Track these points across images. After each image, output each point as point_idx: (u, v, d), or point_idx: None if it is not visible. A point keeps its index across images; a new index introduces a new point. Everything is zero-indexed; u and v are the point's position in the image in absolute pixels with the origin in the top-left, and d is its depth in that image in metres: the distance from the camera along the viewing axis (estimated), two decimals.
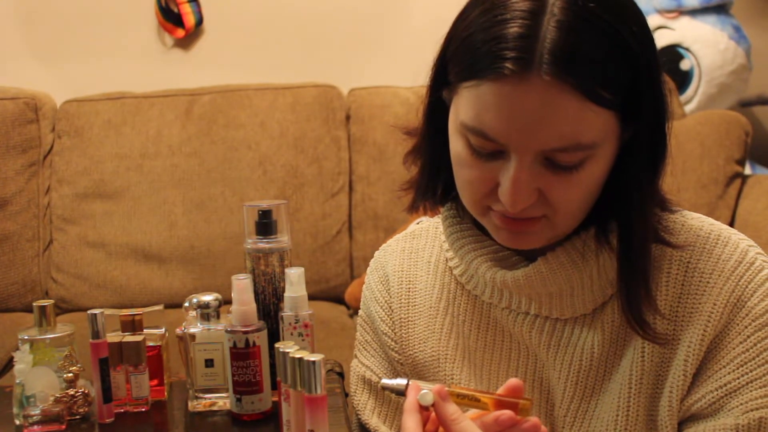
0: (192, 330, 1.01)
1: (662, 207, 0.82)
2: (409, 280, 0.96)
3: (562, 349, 0.85)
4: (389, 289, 0.97)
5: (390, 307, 0.96)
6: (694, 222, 0.84)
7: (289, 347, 0.84)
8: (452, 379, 0.90)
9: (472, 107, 0.74)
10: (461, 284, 0.92)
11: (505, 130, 0.72)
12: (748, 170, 2.27)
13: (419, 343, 0.93)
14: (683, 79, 2.32)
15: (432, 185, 0.90)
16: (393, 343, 0.95)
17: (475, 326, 0.90)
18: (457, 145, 0.79)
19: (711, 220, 0.85)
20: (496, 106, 0.72)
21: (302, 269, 0.96)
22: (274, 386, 0.96)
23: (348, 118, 2.34)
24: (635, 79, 0.73)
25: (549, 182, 0.74)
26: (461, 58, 0.75)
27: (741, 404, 0.77)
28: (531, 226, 0.78)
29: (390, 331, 0.96)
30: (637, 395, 0.80)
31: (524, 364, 0.87)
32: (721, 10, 2.33)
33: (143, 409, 1.02)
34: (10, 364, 1.79)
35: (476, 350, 0.90)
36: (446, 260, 0.94)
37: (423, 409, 0.75)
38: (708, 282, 0.80)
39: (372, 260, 1.02)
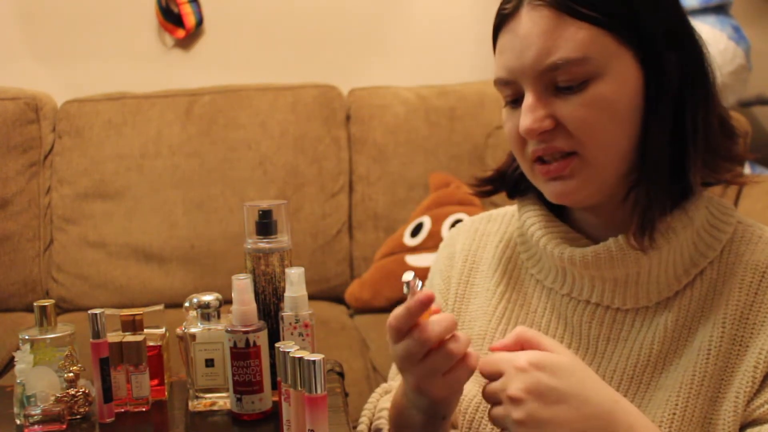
0: (192, 330, 1.01)
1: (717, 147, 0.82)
2: (474, 260, 0.98)
3: (621, 342, 0.85)
4: (452, 265, 1.00)
5: (449, 280, 0.99)
6: None
7: (290, 347, 0.84)
8: None
9: (497, 61, 0.84)
10: (526, 269, 0.93)
11: (510, 63, 0.81)
12: (747, 170, 2.27)
13: (469, 321, 0.96)
14: None
15: (511, 174, 0.94)
16: (443, 300, 0.98)
17: (532, 311, 0.91)
18: (502, 112, 0.87)
19: None
20: (506, 46, 0.82)
21: (302, 269, 0.96)
22: (275, 386, 0.97)
23: (348, 118, 2.35)
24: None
25: (560, 107, 0.79)
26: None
27: None
28: (565, 167, 0.81)
29: (443, 303, 0.99)
30: (696, 397, 0.80)
31: (575, 354, 0.85)
32: (720, 10, 2.33)
33: (144, 409, 1.02)
34: (10, 363, 1.79)
35: None
36: (515, 245, 0.95)
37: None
38: None
39: (446, 236, 1.05)
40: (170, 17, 2.45)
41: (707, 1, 2.30)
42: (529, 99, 0.80)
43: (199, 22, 2.46)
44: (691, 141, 0.80)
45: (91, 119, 2.27)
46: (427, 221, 2.11)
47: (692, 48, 0.82)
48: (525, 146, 0.83)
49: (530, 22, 0.79)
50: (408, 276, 0.77)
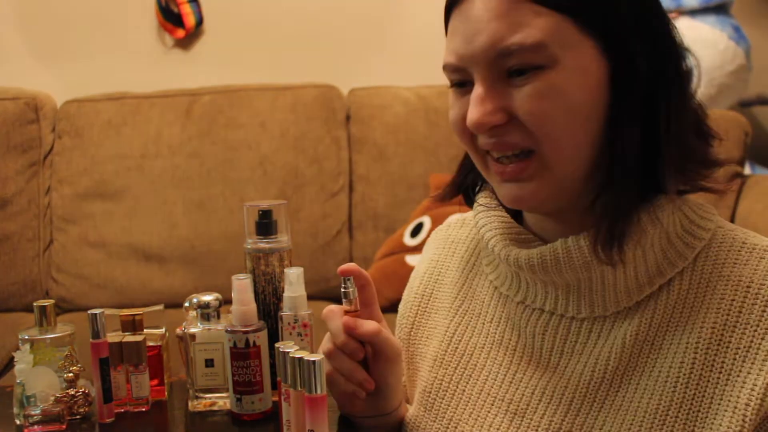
0: (192, 330, 1.01)
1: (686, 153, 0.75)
2: (439, 272, 0.95)
3: (575, 356, 0.79)
4: (416, 274, 0.98)
5: (410, 290, 0.98)
6: (758, 241, 0.77)
7: (290, 347, 0.84)
8: (441, 381, 0.88)
9: (447, 45, 0.79)
10: (485, 274, 0.90)
11: (460, 46, 0.76)
12: (747, 170, 2.27)
13: (425, 338, 0.93)
14: None
15: (463, 178, 0.90)
16: (403, 319, 0.97)
17: (487, 321, 0.87)
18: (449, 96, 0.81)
19: None
20: (456, 30, 0.77)
21: (301, 269, 0.96)
22: (275, 386, 0.97)
23: (348, 118, 2.34)
24: None
25: (513, 98, 0.74)
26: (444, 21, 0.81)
27: None
28: (523, 169, 0.75)
29: (405, 311, 0.97)
30: (661, 426, 0.73)
31: (524, 367, 0.83)
32: (720, 10, 2.33)
33: (143, 409, 1.02)
34: (10, 364, 1.79)
35: (483, 347, 0.87)
36: (480, 250, 0.92)
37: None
38: None
39: (428, 240, 1.02)
40: (170, 17, 2.45)
41: (707, 1, 2.30)
42: (478, 90, 0.74)
43: (199, 22, 2.46)
44: (664, 143, 0.74)
45: (91, 119, 2.27)
46: (427, 221, 2.11)
47: (667, 45, 0.76)
48: (474, 137, 0.78)
49: (483, 4, 0.74)
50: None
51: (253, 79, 2.39)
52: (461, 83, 0.78)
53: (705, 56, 2.29)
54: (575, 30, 0.72)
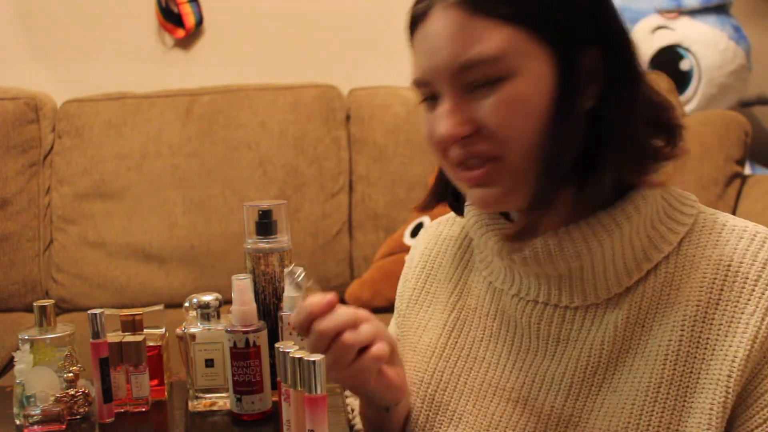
0: (192, 330, 1.01)
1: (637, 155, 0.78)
2: (432, 266, 0.97)
3: (571, 343, 0.82)
4: (410, 266, 1.00)
5: (406, 283, 0.99)
6: (738, 222, 0.81)
7: (289, 347, 0.84)
8: (442, 373, 0.89)
9: (413, 62, 0.82)
10: (479, 270, 0.91)
11: (424, 63, 0.79)
12: (747, 170, 2.27)
13: (416, 329, 0.94)
14: (683, 80, 2.32)
15: (443, 189, 0.92)
16: (397, 316, 0.99)
17: (484, 315, 0.89)
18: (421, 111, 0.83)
19: (754, 223, 0.82)
20: (419, 48, 0.81)
21: (301, 269, 0.96)
22: (274, 386, 0.97)
23: (348, 118, 2.34)
24: None
25: (476, 108, 0.76)
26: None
27: None
28: (485, 173, 0.78)
29: (398, 302, 0.99)
30: (653, 403, 0.76)
31: (523, 356, 0.85)
32: (720, 10, 2.33)
33: (143, 409, 1.02)
34: (10, 364, 1.79)
35: (482, 340, 0.89)
36: (473, 249, 0.94)
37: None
38: (753, 289, 0.76)
39: (418, 235, 1.03)
40: (170, 17, 2.45)
41: (707, 1, 2.30)
42: (444, 104, 0.77)
43: (199, 22, 2.46)
44: (606, 141, 0.76)
45: (91, 119, 2.27)
46: (427, 221, 2.11)
47: (621, 46, 0.78)
48: (447, 150, 0.80)
49: (441, 21, 0.77)
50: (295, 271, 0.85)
51: (253, 79, 2.39)
52: (431, 98, 0.81)
53: (705, 56, 2.29)
54: (529, 40, 0.75)
